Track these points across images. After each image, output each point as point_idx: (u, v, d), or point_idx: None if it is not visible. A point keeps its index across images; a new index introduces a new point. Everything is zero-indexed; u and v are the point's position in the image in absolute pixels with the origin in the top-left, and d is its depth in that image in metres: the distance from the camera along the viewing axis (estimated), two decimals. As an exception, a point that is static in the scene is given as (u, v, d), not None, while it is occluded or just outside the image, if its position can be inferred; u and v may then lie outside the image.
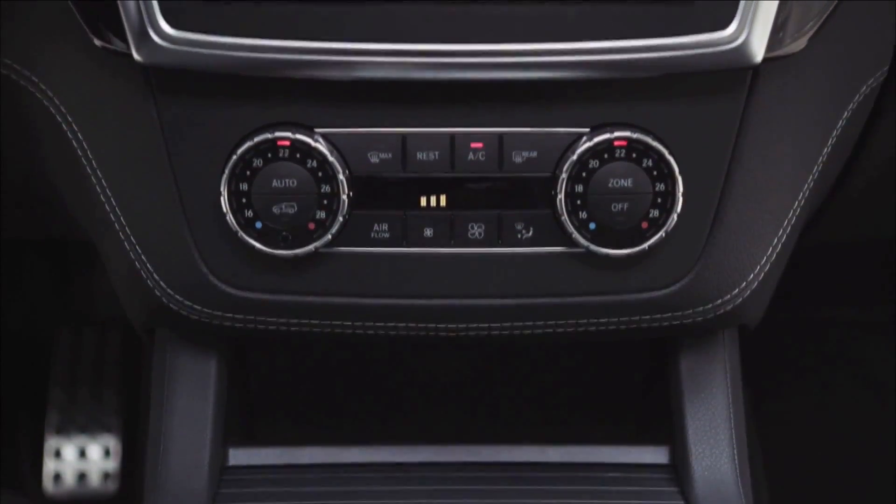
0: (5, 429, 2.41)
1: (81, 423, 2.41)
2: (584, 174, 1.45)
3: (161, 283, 1.53)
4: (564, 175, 1.45)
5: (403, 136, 1.45)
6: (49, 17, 1.49)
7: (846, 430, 2.43)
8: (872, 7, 1.53)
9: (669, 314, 1.54)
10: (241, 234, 1.46)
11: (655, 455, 1.68)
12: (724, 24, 1.40)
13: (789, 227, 1.55)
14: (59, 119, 1.52)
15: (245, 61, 1.40)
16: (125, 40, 1.40)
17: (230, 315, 1.54)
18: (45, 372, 2.47)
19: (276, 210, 1.45)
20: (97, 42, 1.44)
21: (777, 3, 1.40)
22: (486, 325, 1.55)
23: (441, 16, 1.39)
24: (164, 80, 1.44)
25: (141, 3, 1.39)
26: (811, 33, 1.46)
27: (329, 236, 1.46)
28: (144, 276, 1.54)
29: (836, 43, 1.50)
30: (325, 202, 1.45)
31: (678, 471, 1.64)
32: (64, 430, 2.41)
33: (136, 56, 1.40)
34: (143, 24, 1.39)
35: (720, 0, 1.39)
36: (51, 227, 1.94)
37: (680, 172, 1.45)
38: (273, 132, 1.43)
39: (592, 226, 1.47)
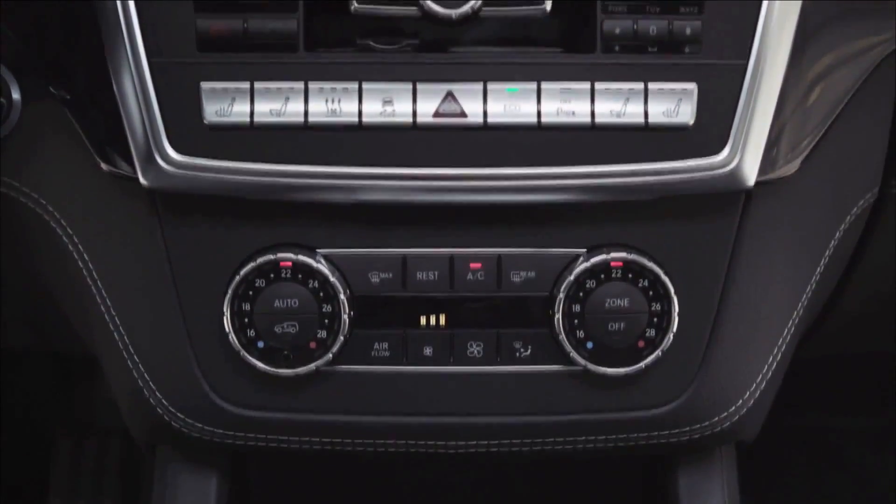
0: (4, 539, 2.41)
1: (82, 535, 2.40)
2: (581, 294, 1.47)
3: (163, 401, 1.55)
4: (562, 295, 1.47)
5: (404, 257, 1.48)
6: (55, 140, 1.53)
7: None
8: (863, 129, 1.57)
9: (667, 432, 1.56)
10: (244, 353, 1.48)
11: None
12: (717, 149, 1.43)
13: (784, 345, 1.57)
14: (65, 239, 1.55)
15: (249, 185, 1.43)
16: (132, 164, 1.44)
17: (231, 433, 1.55)
18: (44, 481, 2.46)
19: (277, 330, 1.47)
20: (104, 166, 1.47)
21: (768, 128, 1.44)
22: (486, 442, 1.56)
23: (440, 141, 1.43)
24: (169, 202, 1.48)
25: (147, 128, 1.42)
26: (803, 156, 1.49)
27: (330, 355, 1.48)
28: (146, 393, 1.55)
29: (828, 165, 1.54)
30: (327, 322, 1.47)
31: None
32: (64, 541, 2.40)
33: (142, 180, 1.43)
34: (150, 150, 1.42)
35: (713, 125, 1.43)
36: (52, 341, 1.96)
37: (675, 293, 1.47)
38: (275, 253, 1.46)
39: (590, 345, 1.48)
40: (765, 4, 1.42)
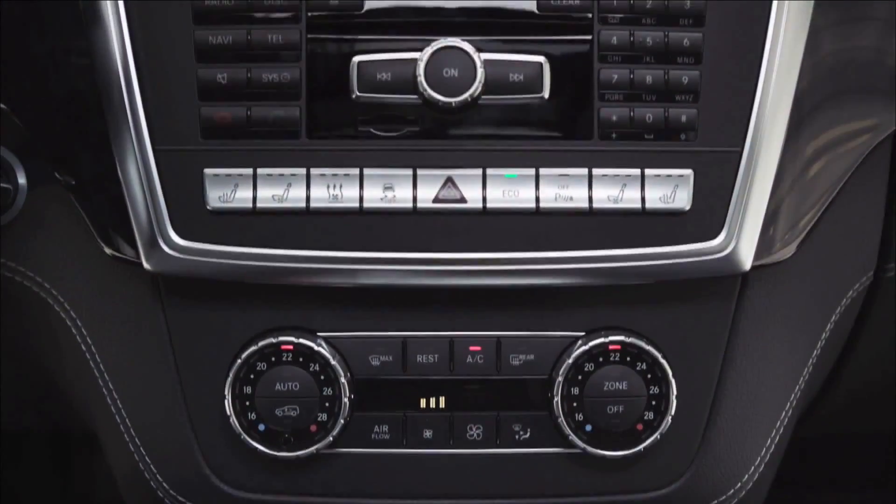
0: None
1: None
2: (579, 377, 1.48)
3: (163, 482, 1.55)
4: (561, 378, 1.48)
5: (404, 341, 1.49)
6: (59, 224, 1.55)
7: None
8: (857, 213, 1.58)
9: None
10: (245, 436, 1.48)
11: None
12: (713, 234, 1.45)
13: (783, 425, 1.58)
14: (68, 322, 1.56)
15: (250, 269, 1.45)
16: (135, 249, 1.46)
17: None
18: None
19: (278, 413, 1.47)
20: (107, 250, 1.49)
21: (764, 212, 1.46)
22: None
23: (440, 226, 1.45)
24: (171, 285, 1.49)
25: (151, 213, 1.44)
26: (799, 240, 1.51)
27: (330, 438, 1.48)
28: (146, 473, 1.56)
29: (824, 248, 1.55)
30: (327, 405, 1.48)
31: None
32: None
33: (145, 265, 1.45)
34: (153, 234, 1.44)
35: (709, 210, 1.45)
36: (52, 420, 1.96)
37: (673, 376, 1.48)
38: (277, 337, 1.47)
39: (588, 427, 1.49)
40: (759, 92, 1.44)
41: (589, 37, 1.44)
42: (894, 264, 1.62)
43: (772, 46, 1.44)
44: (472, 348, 1.50)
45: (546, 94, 1.43)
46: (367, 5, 1.43)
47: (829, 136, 1.52)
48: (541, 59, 1.43)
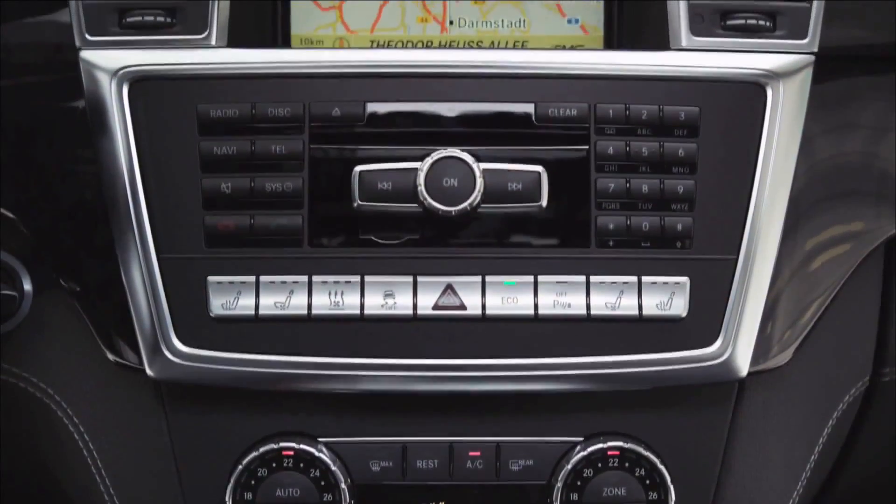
0: None
1: None
2: (578, 483, 1.49)
3: None
4: (560, 484, 1.49)
5: (404, 446, 1.50)
6: (63, 330, 1.57)
7: None
8: (853, 318, 1.60)
9: None
10: None
11: None
12: (709, 341, 1.47)
13: None
14: (70, 427, 1.57)
15: (252, 376, 1.46)
16: (138, 356, 1.47)
17: None
18: None
19: None
20: (110, 356, 1.51)
21: (760, 319, 1.47)
22: None
23: (440, 332, 1.46)
24: (173, 391, 1.51)
25: (155, 321, 1.46)
26: (795, 346, 1.53)
27: None
28: None
29: (820, 354, 1.57)
30: None
31: None
32: None
33: (148, 371, 1.47)
34: (157, 342, 1.46)
35: (705, 317, 1.47)
36: None
37: (672, 482, 1.49)
38: (278, 442, 1.48)
39: None
40: (753, 200, 1.47)
41: (586, 147, 1.47)
42: (890, 368, 1.63)
43: (765, 155, 1.47)
44: (471, 453, 1.51)
45: (544, 202, 1.46)
46: (369, 114, 1.46)
47: (824, 242, 1.54)
48: (539, 168, 1.45)
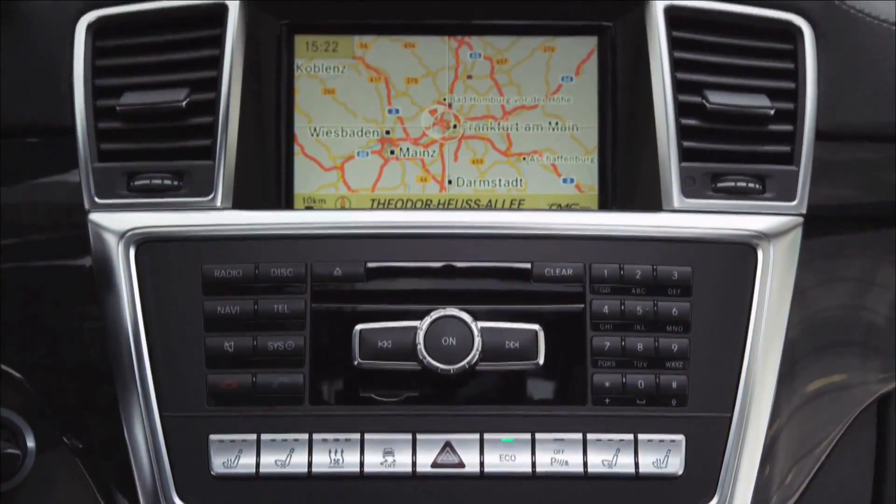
0: None
1: None
2: None
3: None
4: None
5: None
6: (64, 487, 1.58)
7: None
8: (849, 473, 1.61)
9: None
10: None
11: None
12: (706, 498, 1.48)
13: None
14: None
15: None
16: (138, 512, 1.48)
17: None
18: None
19: None
20: (110, 514, 1.52)
21: (755, 475, 1.48)
22: None
23: (438, 489, 1.47)
24: None
25: (156, 478, 1.47)
26: (792, 502, 1.53)
27: None
28: None
29: None
30: None
31: None
32: None
33: (148, 532, 1.47)
34: (157, 499, 1.47)
35: (701, 474, 1.48)
36: None
37: None
38: None
39: None
40: (747, 357, 1.49)
41: (581, 305, 1.50)
42: (887, 523, 1.64)
43: (757, 313, 1.50)
44: None
45: (541, 360, 1.48)
46: (369, 273, 1.49)
47: (818, 398, 1.56)
48: (535, 326, 1.48)
